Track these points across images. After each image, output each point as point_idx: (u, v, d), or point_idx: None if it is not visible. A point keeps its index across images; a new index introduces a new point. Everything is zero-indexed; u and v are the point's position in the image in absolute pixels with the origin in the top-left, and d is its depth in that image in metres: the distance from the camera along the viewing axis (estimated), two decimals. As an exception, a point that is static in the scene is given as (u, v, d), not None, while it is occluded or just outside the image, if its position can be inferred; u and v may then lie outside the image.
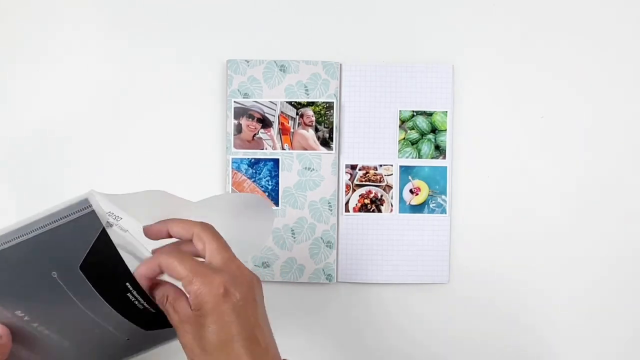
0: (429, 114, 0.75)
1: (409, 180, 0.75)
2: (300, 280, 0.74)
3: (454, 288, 0.75)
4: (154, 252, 0.53)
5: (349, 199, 0.74)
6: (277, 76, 0.74)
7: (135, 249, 0.51)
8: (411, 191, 0.75)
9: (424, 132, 0.75)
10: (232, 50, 0.74)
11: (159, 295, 0.50)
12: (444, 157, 0.75)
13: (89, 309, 0.48)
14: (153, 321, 0.50)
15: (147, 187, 0.74)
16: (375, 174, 0.75)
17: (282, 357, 0.52)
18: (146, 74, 0.75)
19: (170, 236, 0.53)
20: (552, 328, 0.75)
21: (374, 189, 0.75)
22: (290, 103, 0.74)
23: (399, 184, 0.75)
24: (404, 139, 0.75)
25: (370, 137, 0.75)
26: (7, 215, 0.73)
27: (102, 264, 0.46)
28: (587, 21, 0.75)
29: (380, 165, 0.75)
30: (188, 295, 0.49)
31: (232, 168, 0.74)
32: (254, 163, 0.74)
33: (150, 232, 0.53)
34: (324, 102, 0.74)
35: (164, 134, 0.75)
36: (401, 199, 0.75)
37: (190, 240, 0.52)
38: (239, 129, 0.74)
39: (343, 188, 0.74)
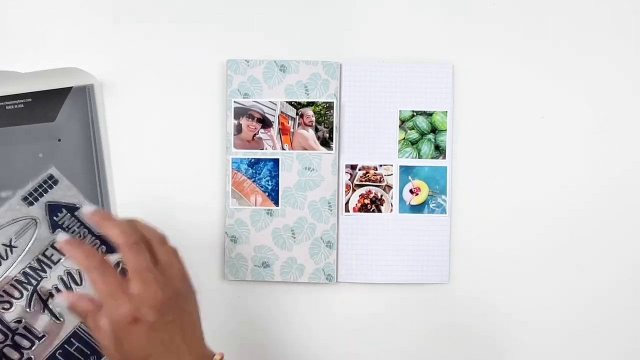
0: (429, 114, 0.75)
1: (409, 180, 0.75)
2: (300, 280, 0.74)
3: (454, 288, 0.75)
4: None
5: (349, 199, 0.74)
6: (277, 76, 0.74)
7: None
8: (411, 191, 0.75)
9: (424, 132, 0.75)
10: (232, 50, 0.74)
11: (80, 306, 0.55)
12: (444, 157, 0.75)
13: None
14: None
15: (148, 187, 0.74)
16: (375, 174, 0.75)
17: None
18: (146, 74, 0.74)
19: None
20: (552, 328, 0.75)
21: (374, 189, 0.75)
22: (290, 103, 0.74)
23: (399, 184, 0.75)
24: (404, 139, 0.75)
25: (370, 137, 0.75)
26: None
27: None
28: (588, 21, 0.75)
29: (380, 165, 0.75)
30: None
31: (232, 168, 0.74)
32: (254, 163, 0.74)
33: (91, 221, 0.58)
34: (324, 102, 0.74)
35: (163, 134, 0.74)
36: (401, 199, 0.75)
37: None
38: (239, 129, 0.74)
39: (343, 188, 0.74)
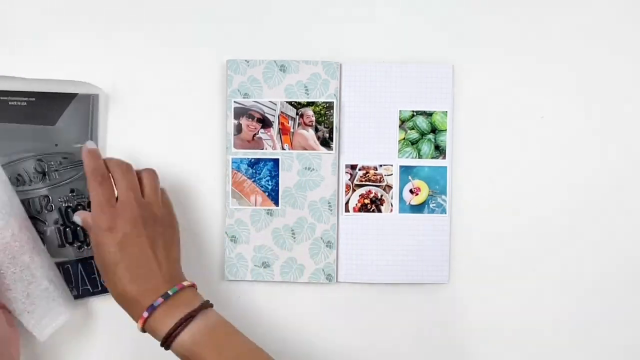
0: (429, 114, 0.75)
1: (409, 180, 0.75)
2: (300, 280, 0.74)
3: (454, 288, 0.75)
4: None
5: (349, 199, 0.74)
6: (277, 76, 0.74)
7: None
8: (411, 191, 0.75)
9: (424, 132, 0.75)
10: (232, 50, 0.75)
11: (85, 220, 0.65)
12: (444, 157, 0.75)
13: None
14: None
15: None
16: (375, 174, 0.75)
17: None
18: (146, 74, 0.75)
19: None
20: (552, 328, 0.75)
21: (374, 189, 0.75)
22: (290, 103, 0.74)
23: (399, 184, 0.75)
24: (404, 139, 0.75)
25: (370, 137, 0.75)
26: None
27: None
28: (588, 21, 0.75)
29: (380, 165, 0.75)
30: None
31: (232, 168, 0.74)
32: (254, 163, 0.74)
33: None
34: (324, 102, 0.74)
35: (164, 134, 0.75)
36: (401, 199, 0.75)
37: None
38: (239, 129, 0.74)
39: (343, 188, 0.74)
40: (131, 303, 0.62)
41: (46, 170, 0.72)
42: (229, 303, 0.74)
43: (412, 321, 0.75)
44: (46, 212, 0.72)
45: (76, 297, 0.72)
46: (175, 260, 0.66)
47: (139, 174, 0.67)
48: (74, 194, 0.72)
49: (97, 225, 0.63)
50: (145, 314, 0.61)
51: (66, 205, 0.72)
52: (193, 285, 0.64)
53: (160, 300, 0.61)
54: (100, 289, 0.73)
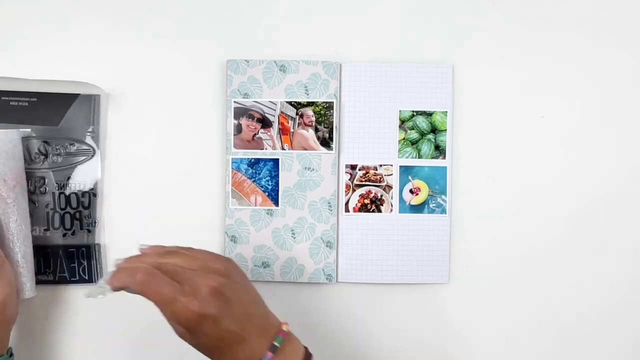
0: (429, 114, 0.75)
1: (409, 180, 0.75)
2: (300, 280, 0.74)
3: (454, 288, 0.75)
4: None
5: (348, 199, 0.74)
6: (277, 76, 0.74)
7: None
8: (411, 191, 0.75)
9: (424, 132, 0.75)
10: (232, 50, 0.75)
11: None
12: (444, 157, 0.74)
13: None
14: None
15: (148, 187, 0.74)
16: (375, 174, 0.75)
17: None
18: (146, 74, 0.75)
19: None
20: (552, 328, 0.75)
21: (374, 189, 0.75)
22: (290, 103, 0.74)
23: (399, 184, 0.75)
24: (404, 139, 0.75)
25: (370, 137, 0.75)
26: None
27: None
28: (587, 21, 0.75)
29: (380, 165, 0.75)
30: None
31: (232, 168, 0.74)
32: (254, 163, 0.74)
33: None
34: (324, 102, 0.74)
35: (163, 134, 0.75)
36: (401, 199, 0.75)
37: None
38: (239, 129, 0.74)
39: (343, 188, 0.74)
40: None
41: (49, 152, 0.73)
42: (229, 303, 0.74)
43: (412, 321, 0.75)
44: (39, 193, 0.73)
45: (52, 282, 0.73)
46: (265, 307, 0.61)
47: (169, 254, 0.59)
48: (71, 180, 0.73)
49: (185, 321, 0.55)
50: None
51: (59, 191, 0.73)
52: (286, 324, 0.61)
53: (270, 355, 0.58)
54: (77, 278, 0.73)
